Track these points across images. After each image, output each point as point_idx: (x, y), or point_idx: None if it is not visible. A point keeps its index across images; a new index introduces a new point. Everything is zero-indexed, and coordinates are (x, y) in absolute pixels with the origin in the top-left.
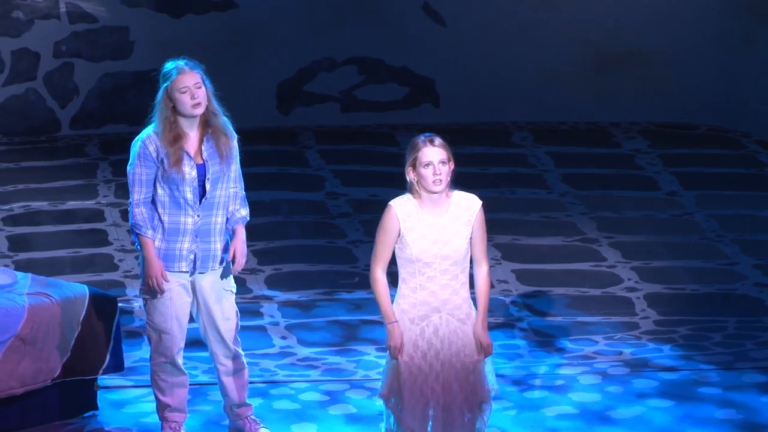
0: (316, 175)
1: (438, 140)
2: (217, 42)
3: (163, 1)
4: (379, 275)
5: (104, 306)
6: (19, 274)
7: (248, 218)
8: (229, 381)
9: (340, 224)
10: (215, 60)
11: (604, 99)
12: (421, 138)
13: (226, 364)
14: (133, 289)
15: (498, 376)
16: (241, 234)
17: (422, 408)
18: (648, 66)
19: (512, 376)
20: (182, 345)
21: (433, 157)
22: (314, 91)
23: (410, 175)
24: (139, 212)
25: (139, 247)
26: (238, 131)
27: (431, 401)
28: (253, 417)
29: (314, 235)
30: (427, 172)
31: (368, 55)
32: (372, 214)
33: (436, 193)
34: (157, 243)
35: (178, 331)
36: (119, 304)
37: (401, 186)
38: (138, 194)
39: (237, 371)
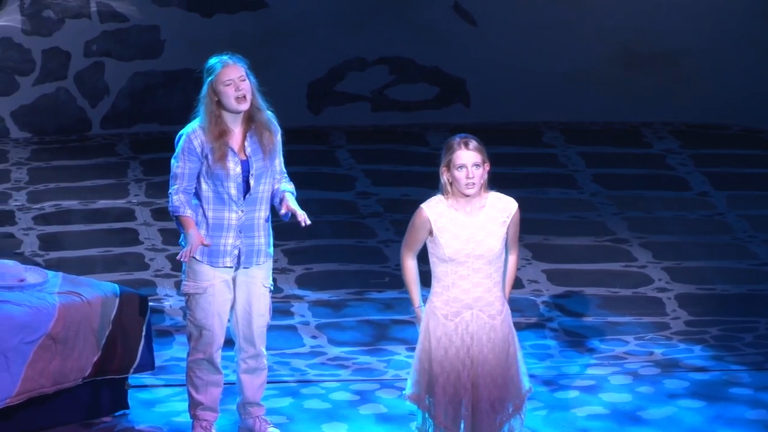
0: (346, 174)
1: (473, 143)
2: (248, 41)
3: (193, 1)
4: (409, 261)
5: (135, 305)
6: (50, 273)
7: (295, 193)
8: (247, 378)
9: (371, 224)
10: (245, 59)
11: (636, 99)
12: (456, 139)
13: (248, 361)
14: (163, 288)
15: (528, 376)
16: (291, 196)
17: (455, 405)
18: (679, 66)
19: (543, 377)
20: (221, 342)
21: (467, 160)
22: (345, 90)
23: (444, 176)
24: (177, 198)
25: (184, 242)
26: None
27: (463, 399)
28: (264, 417)
29: (345, 234)
30: (460, 175)
31: (399, 54)
32: (402, 214)
33: (468, 195)
34: (206, 242)
35: (218, 328)
36: (150, 303)
37: (432, 186)
38: (179, 185)
39: (258, 370)
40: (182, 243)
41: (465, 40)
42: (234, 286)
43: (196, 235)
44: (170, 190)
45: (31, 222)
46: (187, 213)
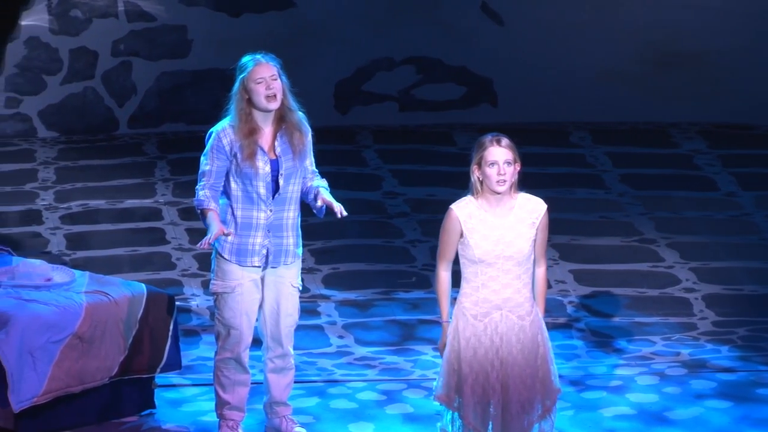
0: (373, 174)
1: (505, 140)
2: (275, 41)
3: (221, 0)
4: (443, 273)
5: (162, 304)
6: (77, 273)
7: (328, 189)
8: (274, 378)
9: (398, 224)
10: (279, 59)
11: (663, 99)
12: (488, 137)
13: (276, 361)
14: (190, 287)
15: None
16: (325, 191)
17: (483, 406)
18: (707, 66)
19: (570, 377)
20: (249, 342)
21: (499, 156)
22: (372, 90)
23: (475, 174)
24: (203, 193)
25: (217, 242)
26: None
27: (492, 399)
28: (290, 417)
29: (372, 234)
30: (491, 172)
31: (426, 54)
32: (429, 214)
33: (499, 193)
34: (230, 237)
35: (246, 328)
36: (177, 303)
37: (459, 186)
38: (206, 182)
39: (285, 370)
40: (213, 258)
41: (492, 39)
42: (262, 285)
43: (217, 223)
44: (197, 187)
45: (58, 221)
46: (211, 206)
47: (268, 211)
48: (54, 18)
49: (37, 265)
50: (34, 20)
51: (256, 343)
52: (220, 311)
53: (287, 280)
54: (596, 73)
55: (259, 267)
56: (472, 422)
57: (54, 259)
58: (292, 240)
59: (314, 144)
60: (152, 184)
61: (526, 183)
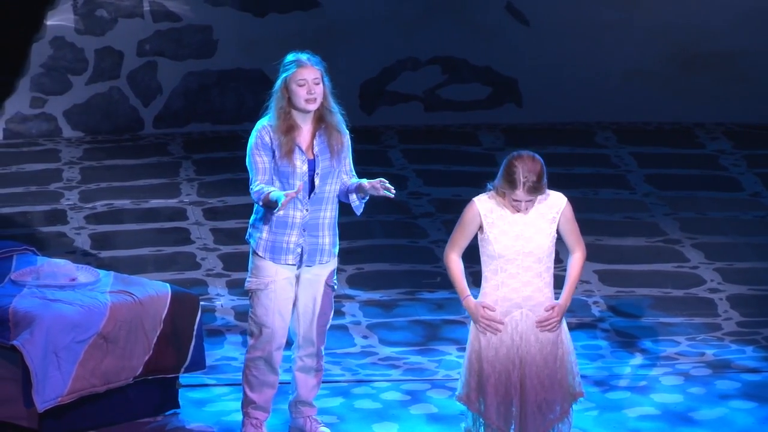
0: (399, 174)
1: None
2: (300, 41)
3: (246, 0)
4: (453, 256)
5: (186, 304)
6: (102, 273)
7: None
8: (302, 377)
9: (423, 224)
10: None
11: (688, 99)
12: (522, 174)
13: (305, 359)
14: (215, 287)
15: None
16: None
17: (506, 405)
18: (732, 66)
19: (594, 377)
20: (282, 342)
21: (523, 198)
22: (397, 90)
23: (500, 189)
24: (257, 186)
25: (250, 238)
26: None
27: (513, 398)
28: (315, 417)
29: (397, 234)
30: (515, 204)
31: (451, 54)
32: (454, 214)
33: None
34: (265, 235)
35: (279, 326)
36: (201, 303)
37: (484, 186)
38: (260, 178)
39: (314, 370)
40: (250, 256)
41: (517, 40)
42: (297, 284)
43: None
44: (251, 187)
45: (83, 221)
46: (269, 189)
47: (304, 211)
48: (79, 18)
49: (62, 264)
50: (59, 20)
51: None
52: (253, 309)
53: (323, 278)
54: (621, 73)
55: (294, 265)
56: (495, 422)
57: (79, 258)
58: (329, 239)
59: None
60: (177, 184)
61: (551, 183)
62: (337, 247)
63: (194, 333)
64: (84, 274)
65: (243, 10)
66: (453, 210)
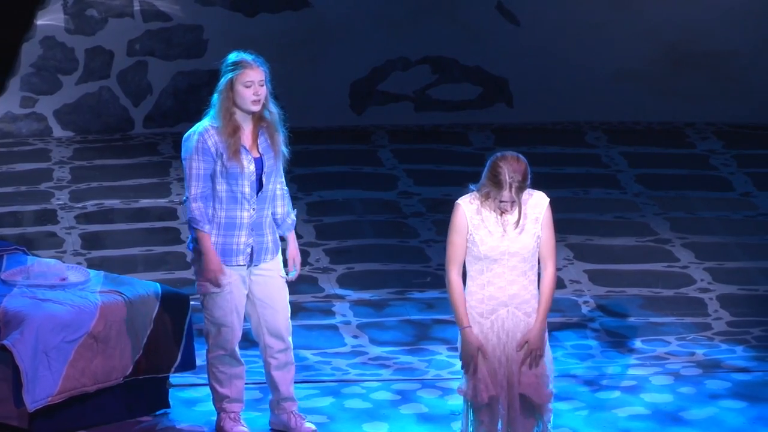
0: (389, 174)
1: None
2: (291, 41)
3: (237, 0)
4: (455, 278)
5: (176, 304)
6: (92, 272)
7: (295, 222)
8: (279, 375)
9: (413, 223)
10: (288, 59)
11: (679, 99)
12: (507, 179)
13: (278, 357)
14: None
15: (570, 376)
16: (294, 240)
17: (494, 404)
18: (723, 66)
19: (584, 377)
20: (240, 335)
21: (510, 199)
22: (388, 90)
23: (484, 189)
24: (197, 207)
25: (191, 245)
26: (311, 130)
27: (500, 396)
28: (298, 412)
29: (387, 234)
30: (502, 204)
31: (442, 54)
32: (444, 214)
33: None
34: (213, 238)
35: (237, 324)
36: (191, 303)
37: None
38: (195, 189)
39: (288, 365)
40: (190, 247)
41: (508, 39)
42: (250, 284)
43: (213, 260)
44: (187, 194)
45: (73, 221)
46: (206, 229)
47: (251, 210)
48: (69, 17)
49: (52, 264)
50: (49, 20)
51: (254, 342)
52: (209, 311)
53: (275, 272)
54: (612, 72)
55: (244, 266)
56: (485, 420)
57: (69, 258)
58: (271, 237)
59: (327, 143)
60: (167, 183)
61: (541, 183)
62: (279, 244)
63: (184, 333)
64: (74, 273)
65: (233, 9)
66: (443, 210)
